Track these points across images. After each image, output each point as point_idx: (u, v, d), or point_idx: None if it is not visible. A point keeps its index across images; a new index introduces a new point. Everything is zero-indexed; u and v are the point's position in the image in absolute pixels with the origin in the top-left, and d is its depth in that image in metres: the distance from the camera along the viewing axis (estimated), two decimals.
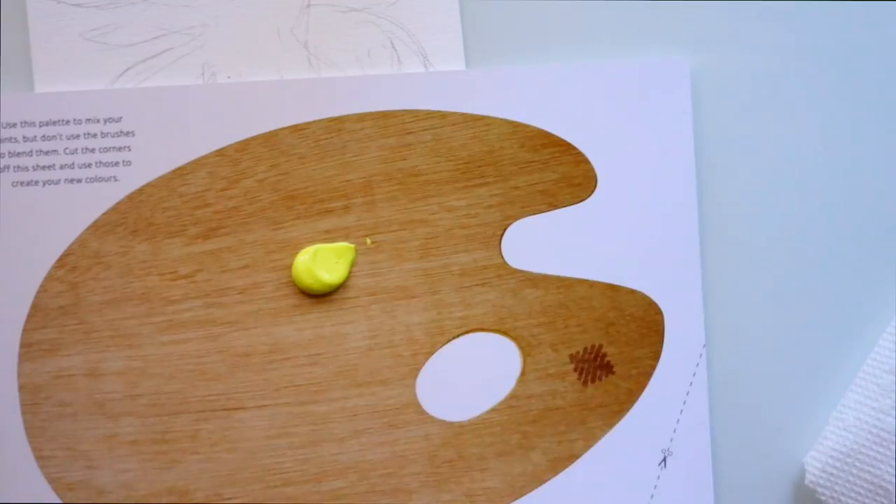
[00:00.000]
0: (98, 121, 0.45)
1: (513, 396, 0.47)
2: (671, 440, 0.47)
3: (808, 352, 0.48)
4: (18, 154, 0.45)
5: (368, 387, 0.46)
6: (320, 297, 0.46)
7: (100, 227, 0.45)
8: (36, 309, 0.45)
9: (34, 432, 0.45)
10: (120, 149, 0.45)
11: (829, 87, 0.48)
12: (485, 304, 0.46)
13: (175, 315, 0.46)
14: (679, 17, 0.47)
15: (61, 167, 0.45)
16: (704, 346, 0.47)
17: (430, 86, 0.46)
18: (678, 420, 0.47)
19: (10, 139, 0.45)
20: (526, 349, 0.47)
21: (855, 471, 0.46)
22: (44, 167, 0.45)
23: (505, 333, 0.47)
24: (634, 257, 0.47)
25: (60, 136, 0.45)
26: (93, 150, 0.45)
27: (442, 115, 0.46)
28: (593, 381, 0.47)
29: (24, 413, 0.45)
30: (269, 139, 0.46)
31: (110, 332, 0.45)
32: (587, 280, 0.47)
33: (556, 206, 0.47)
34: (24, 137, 0.45)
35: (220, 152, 0.46)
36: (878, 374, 0.46)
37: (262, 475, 0.46)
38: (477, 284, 0.46)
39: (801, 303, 0.47)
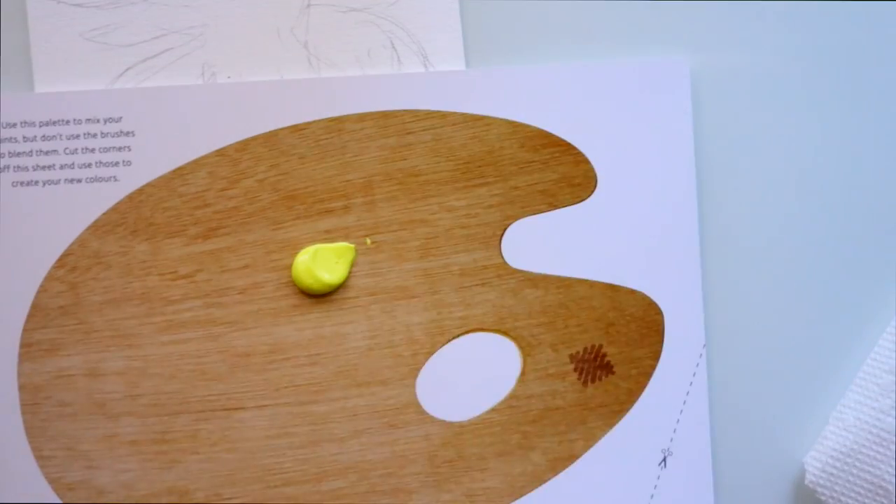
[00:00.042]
0: (98, 121, 0.45)
1: (513, 396, 0.47)
2: (671, 440, 0.47)
3: (808, 352, 0.48)
4: (18, 154, 0.45)
5: (368, 387, 0.46)
6: (320, 297, 0.46)
7: (100, 227, 0.45)
8: (36, 309, 0.45)
9: (34, 432, 0.45)
10: (120, 149, 0.45)
11: (829, 87, 0.48)
12: (485, 304, 0.46)
13: (175, 315, 0.46)
14: (679, 17, 0.47)
15: (61, 167, 0.45)
16: (704, 346, 0.47)
17: (430, 86, 0.46)
18: (678, 420, 0.47)
19: (10, 139, 0.45)
20: (526, 349, 0.47)
21: (855, 471, 0.46)
22: (44, 167, 0.45)
23: (505, 333, 0.47)
24: (634, 257, 0.47)
25: (60, 136, 0.45)
26: (93, 150, 0.45)
27: (442, 115, 0.46)
28: (593, 381, 0.47)
29: (24, 413, 0.45)
30: (269, 139, 0.46)
31: (110, 332, 0.45)
32: (587, 280, 0.47)
33: (556, 206, 0.47)
34: (24, 137, 0.45)
35: (220, 152, 0.46)
36: (878, 374, 0.46)
37: (262, 475, 0.46)
38: (477, 284, 0.46)
39: (801, 303, 0.47)
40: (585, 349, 0.47)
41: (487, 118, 0.46)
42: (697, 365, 0.47)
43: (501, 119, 0.46)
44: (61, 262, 0.45)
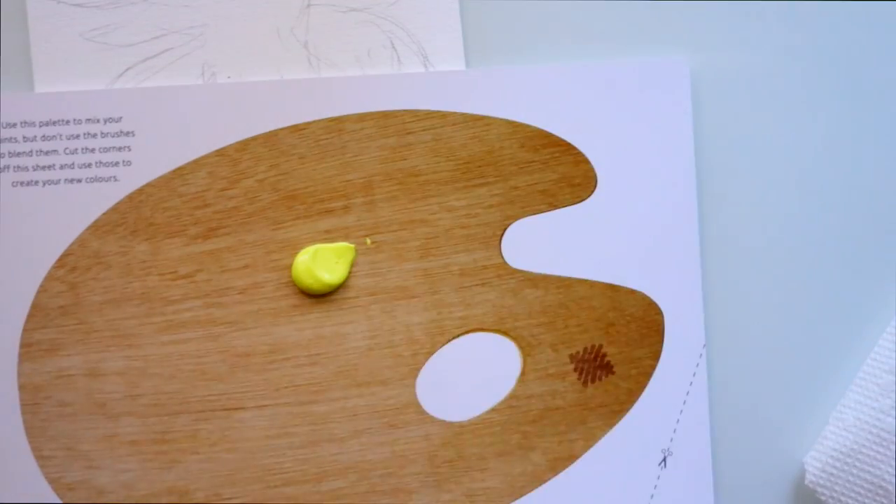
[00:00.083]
0: (98, 121, 0.45)
1: (513, 396, 0.47)
2: (671, 440, 0.47)
3: (808, 352, 0.48)
4: (18, 154, 0.45)
5: (368, 387, 0.46)
6: (320, 297, 0.46)
7: (100, 227, 0.45)
8: (36, 309, 0.45)
9: (34, 432, 0.45)
10: (120, 149, 0.45)
11: (828, 87, 0.48)
12: (485, 304, 0.46)
13: (175, 315, 0.46)
14: (679, 17, 0.47)
15: (61, 167, 0.45)
16: (704, 346, 0.47)
17: (430, 86, 0.46)
18: (678, 420, 0.47)
19: (10, 139, 0.45)
20: (526, 349, 0.47)
21: (855, 471, 0.46)
22: (44, 167, 0.45)
23: (505, 333, 0.47)
24: (634, 257, 0.47)
25: (60, 136, 0.45)
26: (93, 150, 0.45)
27: (442, 115, 0.46)
28: (593, 381, 0.47)
29: (24, 413, 0.45)
30: (269, 139, 0.46)
31: (110, 332, 0.45)
32: (587, 280, 0.47)
33: (556, 206, 0.47)
34: (24, 137, 0.45)
35: (220, 152, 0.46)
36: (878, 374, 0.46)
37: (262, 475, 0.46)
38: (477, 284, 0.46)
39: (801, 303, 0.47)
40: (585, 349, 0.47)
41: (487, 118, 0.46)
42: (697, 365, 0.47)
43: (501, 119, 0.46)
44: (61, 262, 0.45)
